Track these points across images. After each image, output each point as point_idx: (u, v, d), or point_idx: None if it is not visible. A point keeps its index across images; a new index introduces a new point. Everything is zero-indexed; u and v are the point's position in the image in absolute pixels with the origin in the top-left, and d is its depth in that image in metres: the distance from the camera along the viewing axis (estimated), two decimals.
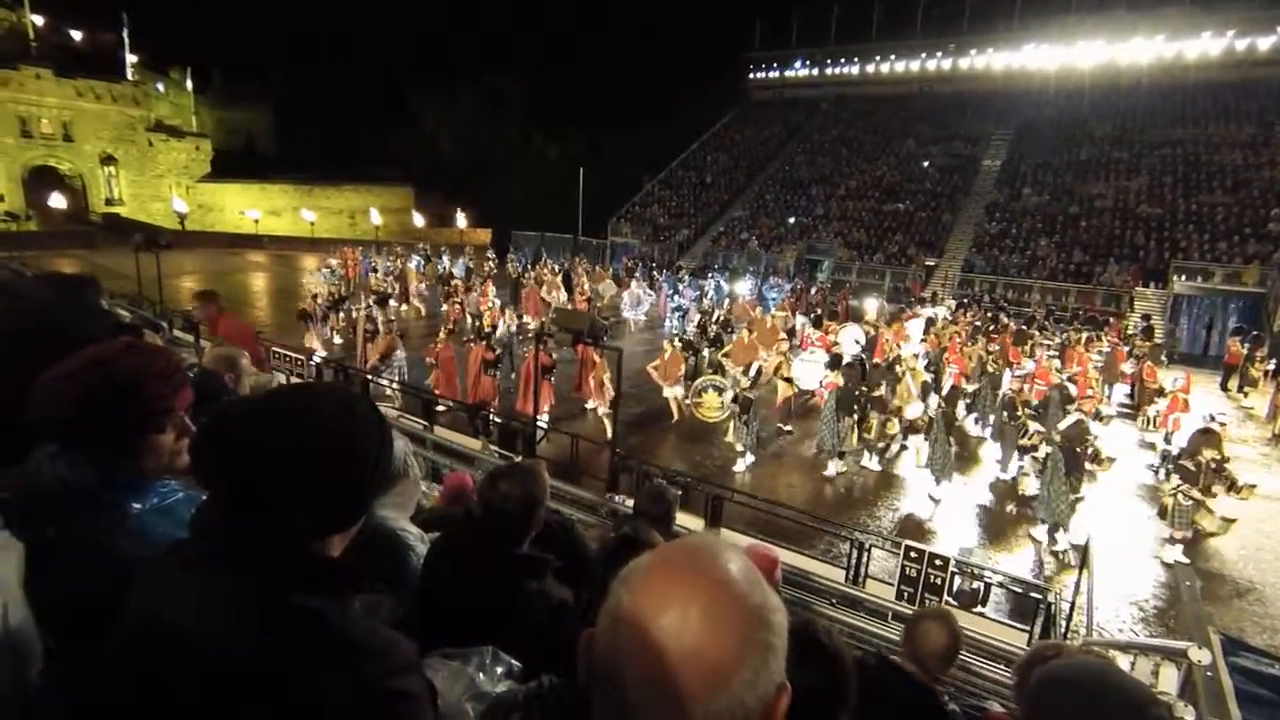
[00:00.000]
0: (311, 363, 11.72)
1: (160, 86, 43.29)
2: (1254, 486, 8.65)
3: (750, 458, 9.86)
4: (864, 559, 6.15)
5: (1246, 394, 15.15)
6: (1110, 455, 9.55)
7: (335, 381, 10.65)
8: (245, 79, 50.32)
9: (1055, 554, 7.88)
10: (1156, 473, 10.37)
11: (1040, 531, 8.19)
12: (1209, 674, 3.18)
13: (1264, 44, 31.76)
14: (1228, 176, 26.53)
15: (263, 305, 21.88)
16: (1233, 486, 8.26)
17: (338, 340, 15.58)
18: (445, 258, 26.49)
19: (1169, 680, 3.37)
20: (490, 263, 25.74)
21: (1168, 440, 11.04)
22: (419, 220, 39.59)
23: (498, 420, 9.86)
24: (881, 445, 10.21)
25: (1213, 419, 9.02)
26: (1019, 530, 8.58)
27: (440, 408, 10.39)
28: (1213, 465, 8.01)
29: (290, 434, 0.92)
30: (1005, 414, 10.36)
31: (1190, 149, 28.77)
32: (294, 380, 10.48)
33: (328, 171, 43.79)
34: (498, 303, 17.30)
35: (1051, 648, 1.40)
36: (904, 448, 10.10)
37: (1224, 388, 15.75)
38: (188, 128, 44.38)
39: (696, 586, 0.65)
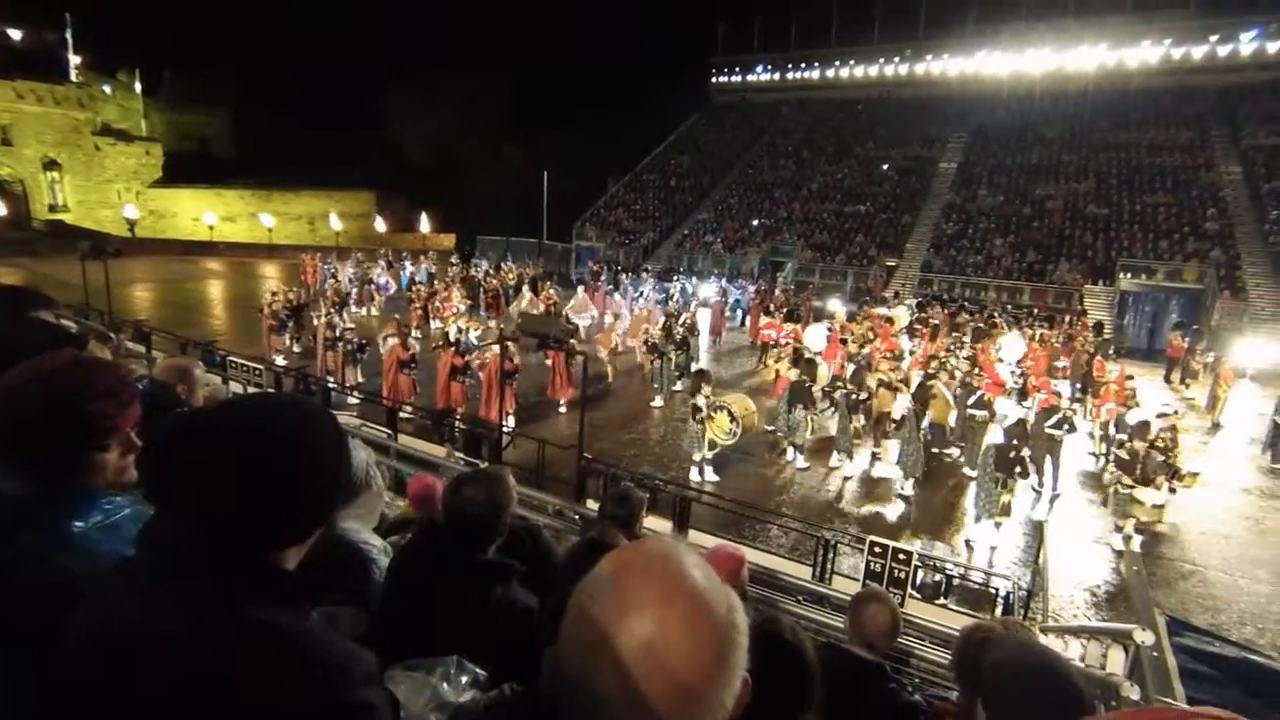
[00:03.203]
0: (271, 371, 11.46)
1: (107, 89, 41.64)
2: (1196, 474, 9.03)
3: (708, 460, 9.85)
4: (830, 556, 6.25)
5: (1188, 385, 15.82)
6: (1193, 470, 9.06)
7: (292, 392, 10.44)
8: (198, 81, 48.80)
9: (990, 547, 7.93)
10: (1098, 460, 10.85)
11: (981, 527, 8.17)
12: (1155, 654, 3.32)
13: (1198, 53, 33.44)
14: (1168, 178, 27.79)
15: (219, 314, 21.27)
16: (1176, 475, 8.61)
17: (297, 349, 15.23)
18: (408, 263, 26.10)
19: (1117, 662, 3.50)
20: (454, 268, 25.45)
21: (1104, 430, 11.48)
22: (381, 225, 38.94)
23: (463, 426, 9.75)
24: (853, 444, 10.36)
25: (1165, 412, 9.40)
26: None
27: (404, 414, 10.25)
28: (1146, 455, 8.31)
29: (244, 445, 0.90)
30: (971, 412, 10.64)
31: (1133, 152, 30.05)
32: (251, 390, 10.23)
33: (286, 176, 42.69)
34: (463, 308, 17.12)
35: (980, 629, 1.47)
36: (875, 455, 10.22)
37: (1167, 380, 16.42)
38: (137, 131, 42.83)
39: (669, 599, 0.65)
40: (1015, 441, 7.90)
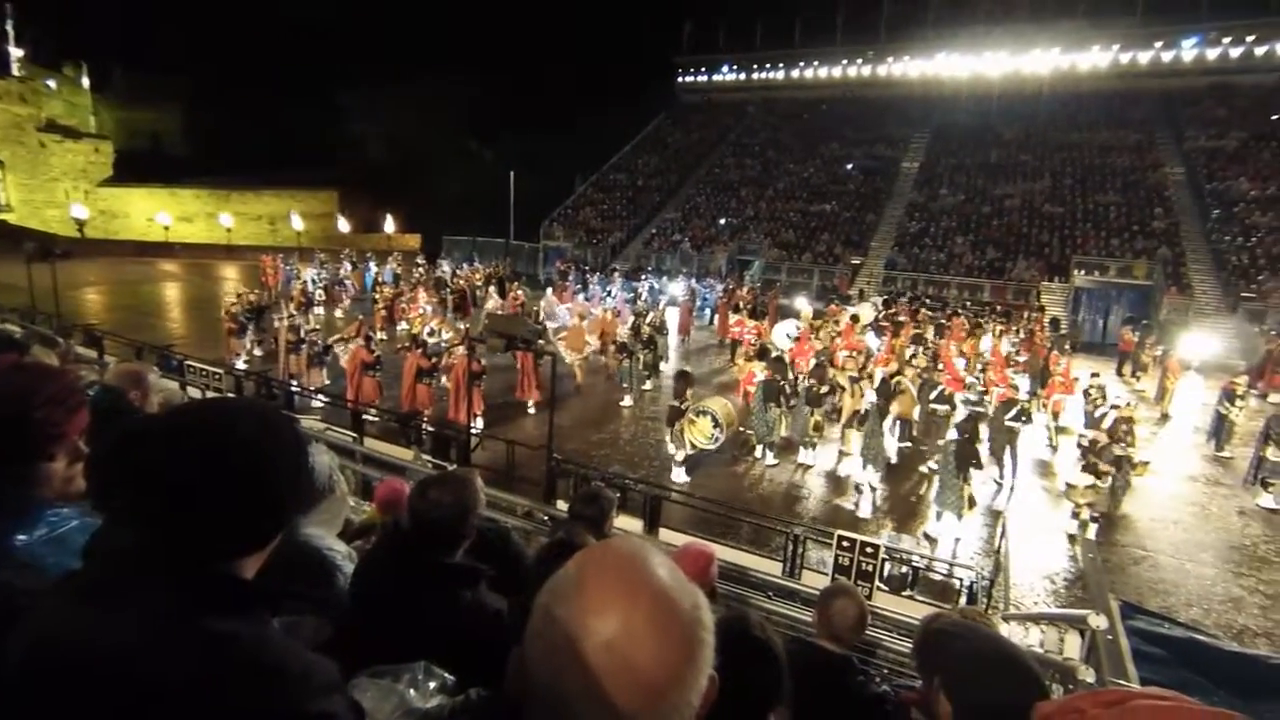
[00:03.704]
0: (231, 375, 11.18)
1: (52, 84, 39.99)
2: (1147, 463, 9.40)
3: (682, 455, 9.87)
4: (800, 551, 6.34)
5: (1138, 378, 16.43)
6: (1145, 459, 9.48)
7: (248, 396, 10.20)
8: (150, 77, 47.17)
9: (933, 538, 8.16)
10: (1055, 451, 11.22)
11: (943, 520, 8.31)
12: (1109, 638, 3.45)
13: (1143, 58, 34.81)
14: (1118, 178, 28.84)
15: (176, 317, 20.62)
16: (1129, 464, 8.94)
17: (258, 352, 14.86)
18: (372, 264, 25.66)
19: (1075, 647, 3.62)
20: (420, 269, 25.10)
21: (1056, 420, 11.87)
22: (344, 225, 38.15)
23: (430, 429, 9.63)
24: (815, 439, 10.51)
25: (1121, 405, 9.72)
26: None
27: (369, 418, 10.09)
28: (1100, 445, 8.61)
29: (199, 449, 0.88)
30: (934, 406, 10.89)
31: (1086, 152, 31.10)
32: (210, 395, 9.96)
33: (245, 175, 41.54)
34: (429, 309, 16.89)
35: (938, 619, 1.52)
36: (843, 453, 10.37)
37: (1119, 373, 17.03)
38: (85, 128, 41.21)
39: (634, 598, 0.65)
40: (967, 436, 8.11)
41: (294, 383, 12.29)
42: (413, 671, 1.43)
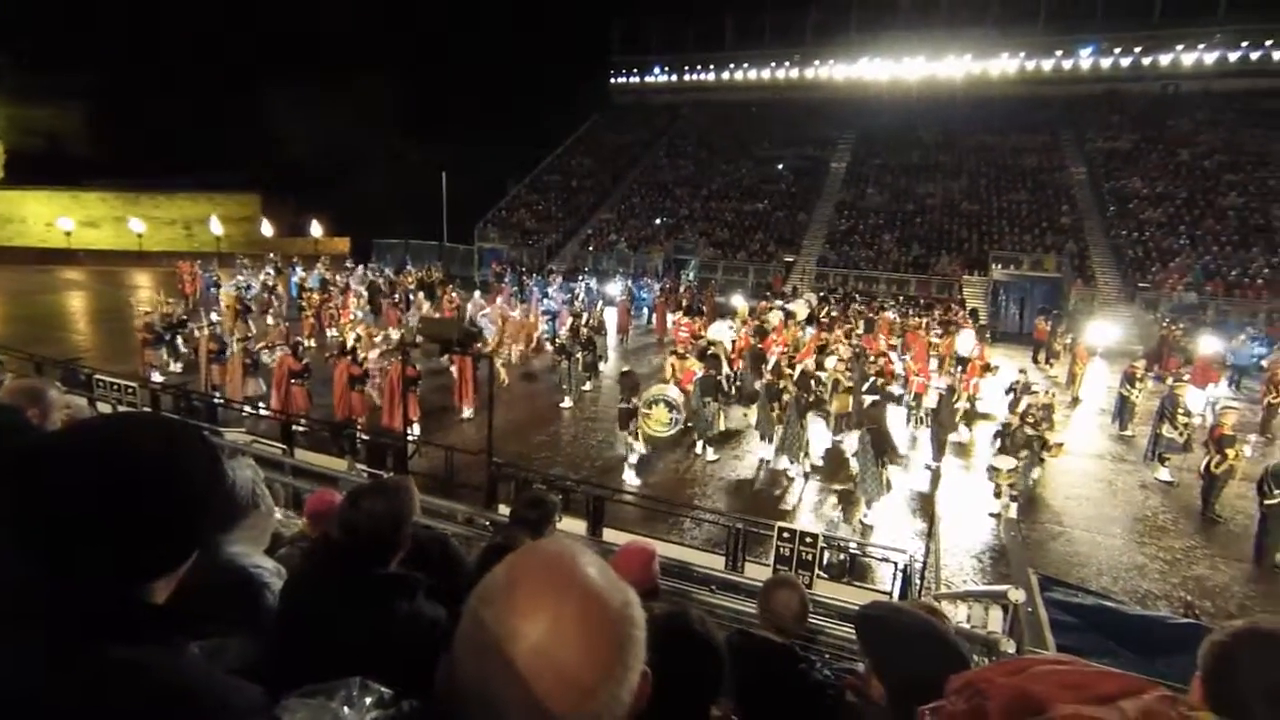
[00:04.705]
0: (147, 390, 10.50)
1: None
2: (1061, 445, 10.02)
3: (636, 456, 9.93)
4: (741, 544, 6.45)
5: (1051, 365, 17.53)
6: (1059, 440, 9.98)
7: (156, 411, 9.63)
8: (45, 72, 43.65)
9: (868, 525, 8.49)
10: (970, 433, 11.84)
11: (875, 505, 8.66)
12: (1029, 610, 3.67)
13: (1046, 65, 37.27)
14: (1028, 178, 30.71)
15: (83, 328, 19.20)
16: (1045, 446, 9.52)
17: (177, 364, 14.01)
18: (298, 269, 24.61)
19: (997, 620, 3.83)
20: (346, 274, 24.21)
21: (970, 403, 12.51)
22: (268, 229, 36.41)
23: (364, 438, 9.33)
24: (773, 430, 10.66)
25: (1040, 391, 10.33)
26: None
27: (300, 428, 9.68)
28: (1013, 428, 9.15)
29: (99, 468, 0.83)
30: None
31: (999, 154, 32.96)
32: (121, 410, 9.33)
33: (157, 177, 39.07)
34: (360, 315, 16.34)
35: (873, 605, 1.60)
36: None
37: (1035, 360, 18.11)
38: None
39: (562, 598, 0.65)
40: (878, 425, 8.53)
41: (217, 394, 11.67)
42: (347, 688, 1.38)
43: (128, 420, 1.02)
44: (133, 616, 0.84)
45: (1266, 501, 7.82)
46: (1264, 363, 15.32)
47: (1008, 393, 11.68)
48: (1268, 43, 32.26)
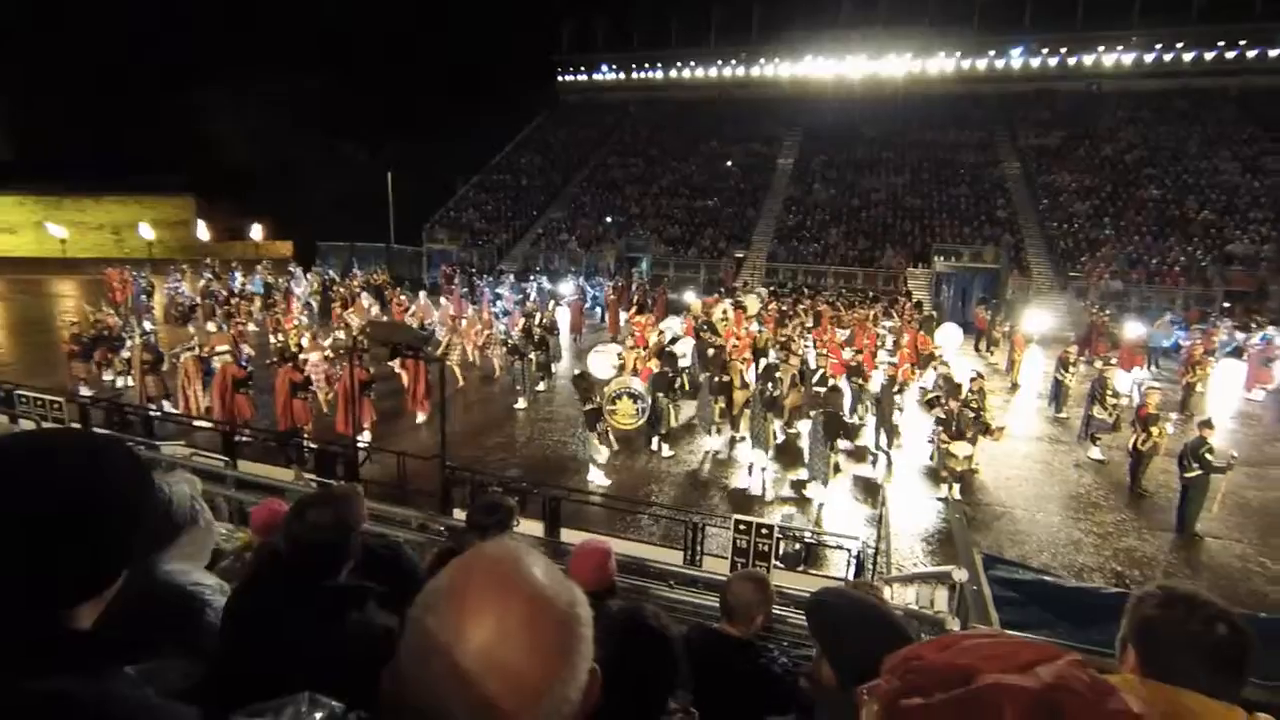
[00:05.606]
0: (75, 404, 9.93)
1: None
2: (1003, 428, 10.44)
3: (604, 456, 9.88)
4: (699, 538, 6.52)
5: (992, 352, 18.25)
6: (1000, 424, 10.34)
7: (78, 426, 9.14)
8: None
9: (819, 506, 8.78)
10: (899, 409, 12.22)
11: (813, 489, 8.99)
12: (974, 588, 3.81)
13: (981, 64, 38.72)
14: (967, 173, 31.88)
15: (1, 340, 18.05)
16: (987, 430, 9.91)
17: (108, 376, 13.30)
18: (238, 274, 23.68)
19: (943, 600, 3.98)
20: (288, 278, 23.40)
21: (900, 392, 12.96)
22: (204, 233, 34.85)
23: (313, 446, 9.06)
24: (715, 424, 10.80)
25: (976, 375, 10.72)
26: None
27: (243, 438, 9.34)
28: (960, 413, 9.51)
29: (10, 490, 0.79)
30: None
31: (939, 150, 34.09)
32: (46, 426, 8.80)
33: (81, 180, 36.97)
34: (304, 320, 15.83)
35: (820, 591, 1.65)
36: (736, 439, 10.75)
37: (976, 349, 18.82)
38: None
39: (506, 599, 0.64)
40: (831, 409, 8.80)
41: (152, 407, 11.14)
42: (295, 704, 1.34)
43: (44, 437, 0.97)
44: (54, 644, 0.80)
45: (1186, 474, 8.36)
46: (1182, 344, 16.27)
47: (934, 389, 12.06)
48: (1178, 45, 34.30)
